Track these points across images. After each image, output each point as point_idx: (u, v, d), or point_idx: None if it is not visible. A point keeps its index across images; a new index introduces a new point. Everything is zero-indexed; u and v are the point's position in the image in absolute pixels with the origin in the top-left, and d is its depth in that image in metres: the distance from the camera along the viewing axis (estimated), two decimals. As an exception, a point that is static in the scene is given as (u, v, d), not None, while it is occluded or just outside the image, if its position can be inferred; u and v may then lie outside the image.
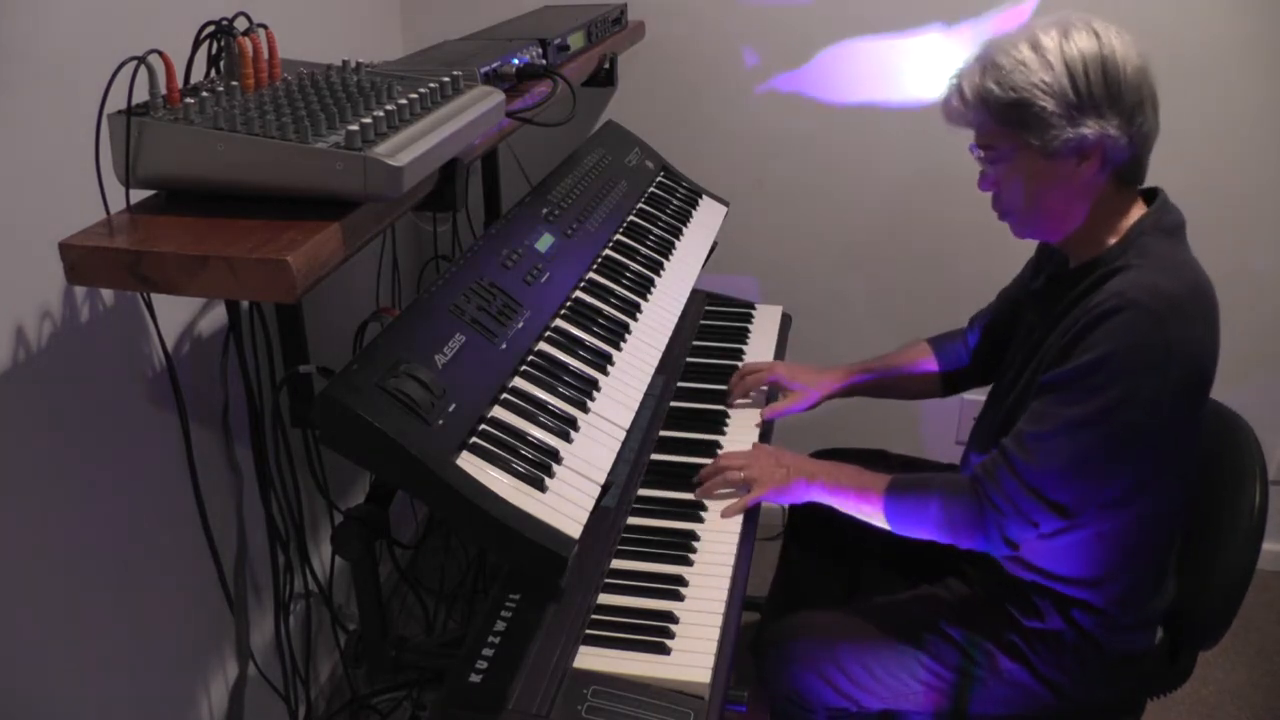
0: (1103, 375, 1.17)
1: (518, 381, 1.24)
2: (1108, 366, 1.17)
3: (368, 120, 0.99)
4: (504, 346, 1.25)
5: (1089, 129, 1.20)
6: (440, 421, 1.08)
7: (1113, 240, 1.27)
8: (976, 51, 1.28)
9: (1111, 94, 1.19)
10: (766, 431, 1.65)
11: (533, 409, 1.21)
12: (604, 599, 1.27)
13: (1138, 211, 1.28)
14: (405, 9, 2.26)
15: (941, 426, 2.36)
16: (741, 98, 2.22)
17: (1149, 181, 1.30)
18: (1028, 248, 1.49)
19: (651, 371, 1.43)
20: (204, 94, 1.02)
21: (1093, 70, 1.19)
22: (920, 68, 2.10)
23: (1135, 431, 1.19)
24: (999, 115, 1.23)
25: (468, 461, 1.07)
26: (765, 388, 1.73)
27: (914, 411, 2.33)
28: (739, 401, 1.69)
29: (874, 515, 1.39)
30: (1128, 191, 1.28)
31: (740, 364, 1.80)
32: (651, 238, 1.77)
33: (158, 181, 1.02)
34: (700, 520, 1.41)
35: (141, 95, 1.00)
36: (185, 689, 1.56)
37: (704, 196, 2.04)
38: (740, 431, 1.63)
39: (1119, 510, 1.27)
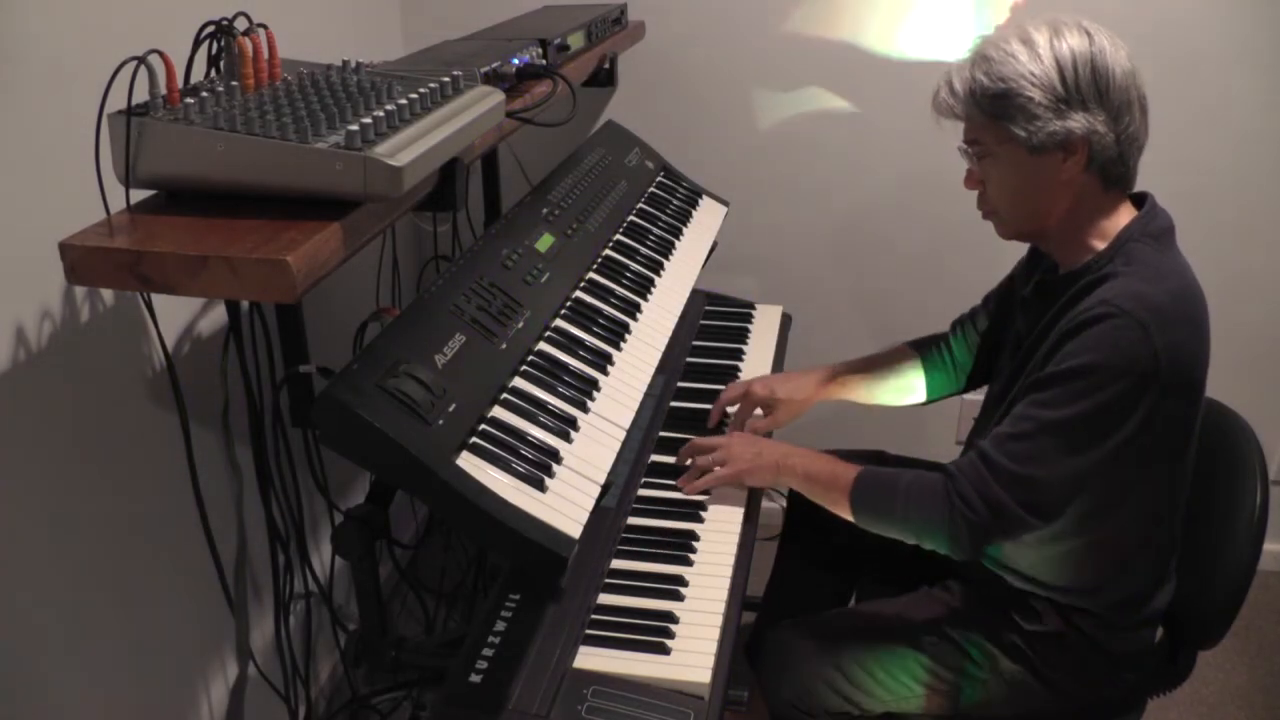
0: (1085, 382, 1.17)
1: (518, 381, 1.24)
2: (1090, 373, 1.17)
3: (368, 120, 0.99)
4: (504, 346, 1.25)
5: (1075, 122, 1.20)
6: (440, 421, 1.08)
7: (1101, 246, 1.27)
8: (969, 47, 1.28)
9: (1099, 89, 1.20)
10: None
11: (533, 409, 1.21)
12: (604, 599, 1.27)
13: (1126, 216, 1.28)
14: (405, 9, 2.26)
15: (941, 427, 2.36)
16: (741, 97, 2.22)
17: (1141, 185, 1.30)
18: (1025, 244, 1.49)
19: (651, 371, 1.43)
20: (204, 94, 1.02)
21: (1081, 66, 1.19)
22: (922, 59, 2.11)
23: (1116, 438, 1.19)
24: (986, 107, 1.24)
25: (468, 461, 1.08)
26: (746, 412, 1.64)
27: (914, 411, 2.33)
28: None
29: (840, 504, 1.37)
30: (1114, 194, 1.27)
31: (740, 365, 1.80)
32: (651, 238, 1.76)
33: (158, 181, 1.02)
34: (700, 520, 1.41)
35: (141, 95, 1.00)
36: (185, 689, 1.56)
37: (704, 196, 2.04)
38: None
39: (1109, 518, 1.27)
